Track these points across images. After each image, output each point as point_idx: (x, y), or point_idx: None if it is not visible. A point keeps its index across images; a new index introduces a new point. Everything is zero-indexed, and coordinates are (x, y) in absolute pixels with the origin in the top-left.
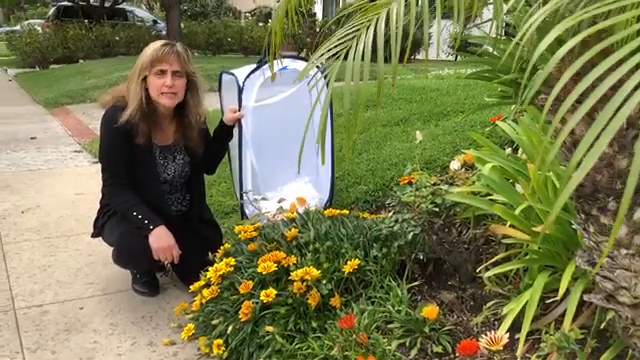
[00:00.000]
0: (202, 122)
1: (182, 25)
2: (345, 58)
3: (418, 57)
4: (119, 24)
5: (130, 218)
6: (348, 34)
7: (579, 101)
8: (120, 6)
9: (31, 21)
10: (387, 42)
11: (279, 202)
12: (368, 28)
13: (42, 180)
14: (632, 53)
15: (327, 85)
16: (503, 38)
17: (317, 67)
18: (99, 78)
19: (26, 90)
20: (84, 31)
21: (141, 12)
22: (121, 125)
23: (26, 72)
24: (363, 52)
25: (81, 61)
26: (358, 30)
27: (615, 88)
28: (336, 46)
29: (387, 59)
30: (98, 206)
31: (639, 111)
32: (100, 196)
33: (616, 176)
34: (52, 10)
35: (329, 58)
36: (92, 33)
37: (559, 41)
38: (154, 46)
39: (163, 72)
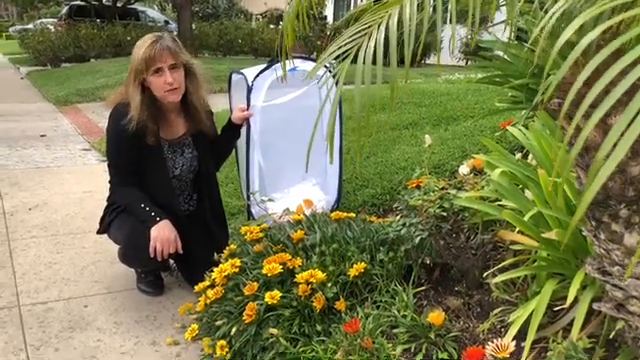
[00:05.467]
0: (206, 104)
1: (193, 26)
2: (355, 57)
3: (428, 61)
4: (131, 24)
5: (135, 210)
6: (358, 32)
7: (593, 105)
8: (132, 6)
9: (44, 20)
10: (398, 44)
11: (285, 211)
12: (379, 26)
13: (50, 178)
14: None
15: (336, 84)
16: (514, 43)
17: (325, 67)
18: (110, 77)
19: (37, 88)
20: (96, 30)
21: (153, 12)
22: (128, 125)
23: (38, 70)
24: (375, 51)
25: (92, 60)
26: (369, 28)
27: (629, 93)
28: (346, 44)
29: (398, 62)
30: (105, 204)
31: None
32: (108, 194)
33: (628, 183)
34: (65, 9)
35: (338, 57)
36: (104, 32)
37: (571, 44)
38: (143, 46)
39: (160, 70)
